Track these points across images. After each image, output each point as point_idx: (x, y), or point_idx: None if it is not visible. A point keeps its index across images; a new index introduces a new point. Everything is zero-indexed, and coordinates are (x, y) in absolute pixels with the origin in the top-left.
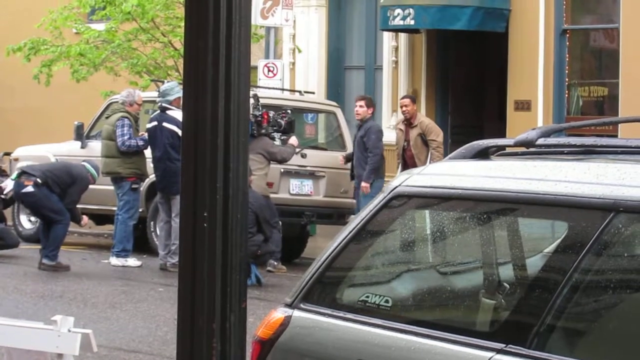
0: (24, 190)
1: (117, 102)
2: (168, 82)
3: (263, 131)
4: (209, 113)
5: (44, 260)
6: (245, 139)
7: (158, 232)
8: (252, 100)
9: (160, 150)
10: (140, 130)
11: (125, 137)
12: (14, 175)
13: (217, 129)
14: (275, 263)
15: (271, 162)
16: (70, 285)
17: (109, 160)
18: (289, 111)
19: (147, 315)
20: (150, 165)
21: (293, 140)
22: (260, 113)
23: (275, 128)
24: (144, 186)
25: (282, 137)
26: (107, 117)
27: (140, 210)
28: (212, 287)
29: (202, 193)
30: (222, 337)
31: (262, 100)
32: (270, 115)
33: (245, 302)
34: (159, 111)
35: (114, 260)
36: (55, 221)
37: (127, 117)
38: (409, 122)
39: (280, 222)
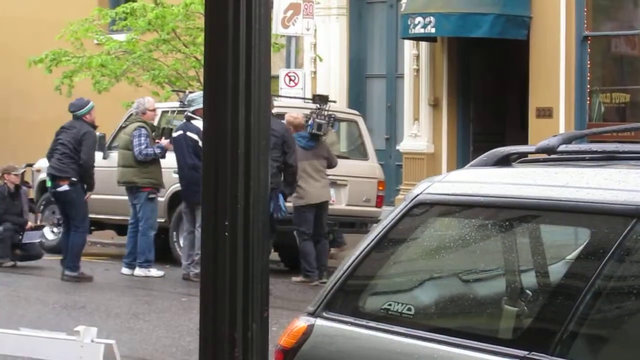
0: (60, 189)
1: None
2: (190, 92)
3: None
4: (229, 122)
5: (66, 272)
6: (266, 147)
7: (181, 242)
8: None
9: (185, 159)
10: (158, 136)
11: (142, 147)
12: (48, 182)
13: (238, 138)
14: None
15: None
16: (93, 296)
17: (126, 169)
18: (333, 116)
19: (170, 325)
20: (173, 176)
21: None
22: (327, 117)
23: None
24: (166, 196)
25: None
26: (123, 127)
27: (163, 220)
28: (233, 297)
29: (223, 202)
30: (244, 346)
31: (280, 110)
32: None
33: (268, 312)
34: (184, 120)
35: (137, 271)
36: (74, 227)
37: (143, 127)
38: None
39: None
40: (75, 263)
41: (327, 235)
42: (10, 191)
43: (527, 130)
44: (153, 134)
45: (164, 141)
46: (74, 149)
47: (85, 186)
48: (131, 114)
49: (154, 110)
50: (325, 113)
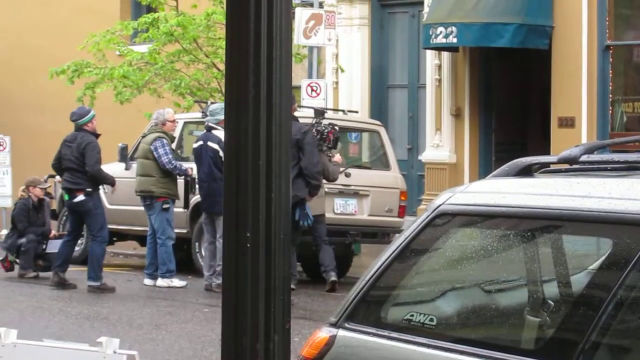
0: (76, 200)
1: None
2: (212, 102)
3: (325, 148)
4: (250, 134)
5: (89, 282)
6: (287, 159)
7: (203, 253)
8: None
9: (205, 169)
10: (182, 146)
11: (170, 156)
12: (66, 196)
13: (259, 149)
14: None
15: None
16: (116, 307)
17: (144, 179)
18: (337, 127)
19: (193, 336)
20: (196, 187)
21: (338, 158)
22: (327, 130)
23: (326, 144)
24: (188, 207)
25: (329, 155)
26: (143, 136)
27: (185, 231)
28: (255, 308)
29: (244, 213)
30: (266, 357)
31: (305, 120)
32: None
33: (289, 323)
34: (205, 130)
35: (160, 282)
36: (92, 237)
37: (163, 137)
38: None
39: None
40: (97, 273)
41: (327, 241)
42: (34, 204)
43: (549, 140)
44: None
45: (186, 165)
46: (81, 163)
47: (100, 195)
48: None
49: (173, 121)
50: (322, 127)
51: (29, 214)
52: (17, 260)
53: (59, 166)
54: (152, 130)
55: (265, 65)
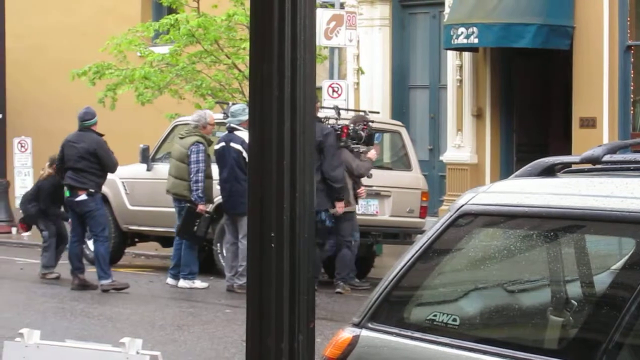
0: (78, 198)
1: (182, 124)
2: (233, 103)
3: (342, 144)
4: (275, 134)
5: (101, 282)
6: (311, 159)
7: (224, 254)
8: (333, 112)
9: (227, 170)
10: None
11: (201, 165)
12: (66, 192)
13: (284, 149)
14: (342, 284)
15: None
16: (137, 308)
17: (178, 181)
18: (370, 123)
19: (215, 337)
20: (217, 188)
21: (372, 153)
22: (340, 126)
23: (355, 141)
24: (211, 208)
25: (362, 150)
26: (181, 138)
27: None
28: (280, 307)
29: (268, 213)
30: (290, 356)
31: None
32: (350, 127)
33: (314, 322)
34: (226, 132)
35: (182, 282)
36: (94, 237)
37: (201, 142)
38: None
39: (355, 242)
40: (106, 271)
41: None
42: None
43: (570, 140)
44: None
45: (201, 207)
46: (89, 163)
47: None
48: (176, 125)
49: (213, 124)
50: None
51: (50, 197)
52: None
53: (61, 167)
54: (191, 132)
55: (289, 66)
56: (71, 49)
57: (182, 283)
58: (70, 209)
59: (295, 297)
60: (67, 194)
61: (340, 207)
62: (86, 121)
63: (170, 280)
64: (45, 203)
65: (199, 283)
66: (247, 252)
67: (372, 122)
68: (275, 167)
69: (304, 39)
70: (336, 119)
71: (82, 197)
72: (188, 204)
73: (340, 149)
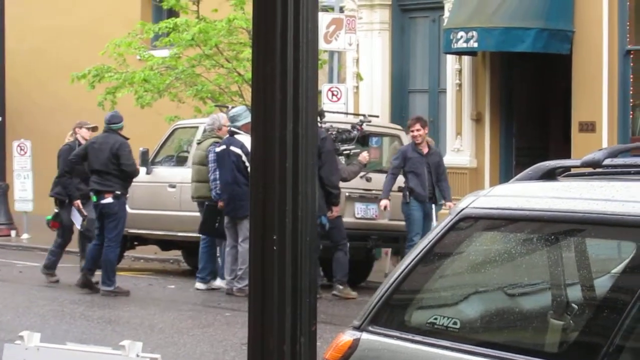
0: (104, 201)
1: (181, 127)
2: (232, 107)
3: (344, 147)
4: (277, 136)
5: (102, 287)
6: (313, 161)
7: (225, 257)
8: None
9: (228, 174)
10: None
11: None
12: (93, 198)
13: (286, 152)
14: (341, 287)
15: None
16: (137, 311)
17: (200, 184)
18: (363, 125)
19: (214, 340)
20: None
21: (363, 156)
22: (355, 128)
23: (346, 144)
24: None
25: (354, 152)
26: (198, 143)
27: None
28: (282, 310)
29: (271, 216)
30: (292, 358)
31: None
32: (334, 131)
33: (316, 325)
34: (228, 135)
35: (199, 285)
36: (107, 240)
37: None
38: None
39: (347, 245)
40: (111, 278)
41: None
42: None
43: (569, 144)
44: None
45: (221, 203)
46: (112, 165)
47: (125, 200)
48: (176, 129)
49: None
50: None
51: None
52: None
53: (77, 163)
54: (208, 136)
55: (291, 68)
56: (71, 51)
57: (199, 285)
58: (98, 214)
59: (298, 299)
60: (94, 199)
61: (336, 212)
62: (113, 124)
63: (199, 285)
64: (63, 166)
65: (219, 282)
66: (250, 255)
67: (369, 122)
68: (278, 169)
69: (307, 41)
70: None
71: (109, 199)
72: (207, 202)
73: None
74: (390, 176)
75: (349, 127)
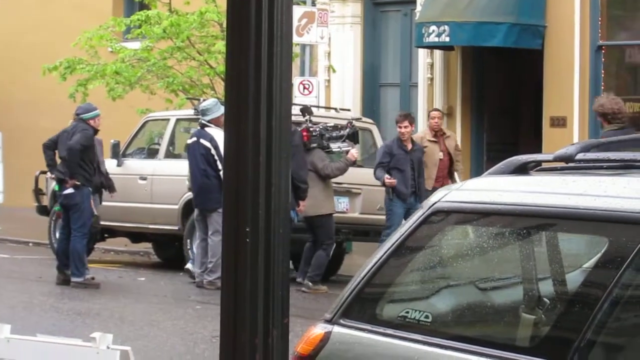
0: (65, 192)
1: (153, 119)
2: (204, 99)
3: (314, 145)
4: (250, 129)
5: (72, 278)
6: (287, 154)
7: (195, 250)
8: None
9: (197, 166)
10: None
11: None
12: (56, 187)
13: (259, 144)
14: (311, 284)
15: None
16: (107, 303)
17: None
18: (353, 122)
19: (185, 333)
20: (187, 184)
21: (351, 154)
22: (299, 129)
23: (337, 140)
24: (180, 204)
25: (343, 149)
26: None
27: (177, 228)
28: (254, 303)
29: (244, 209)
30: (264, 352)
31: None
32: (317, 129)
33: (288, 318)
34: (199, 127)
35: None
36: (73, 231)
37: None
38: (439, 134)
39: (332, 246)
40: (79, 268)
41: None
42: None
43: (541, 139)
44: None
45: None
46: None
47: (89, 191)
48: (147, 121)
49: None
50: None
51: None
52: None
53: (51, 147)
54: None
55: (265, 62)
56: (44, 44)
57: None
58: (62, 205)
59: (270, 292)
60: (56, 187)
61: (303, 206)
62: (78, 114)
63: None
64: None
65: (190, 265)
66: (222, 247)
67: (359, 120)
68: (251, 162)
69: (281, 34)
70: (306, 120)
71: (69, 190)
72: None
73: (311, 149)
74: (379, 168)
75: (339, 124)
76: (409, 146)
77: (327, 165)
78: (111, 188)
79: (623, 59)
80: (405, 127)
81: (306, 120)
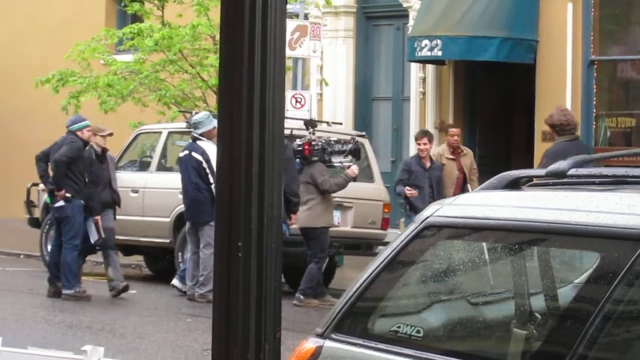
0: (56, 205)
1: (145, 132)
2: (196, 112)
3: (315, 158)
4: (243, 142)
5: (64, 290)
6: (279, 168)
7: (186, 263)
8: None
9: (189, 179)
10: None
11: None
12: (48, 199)
13: (252, 158)
14: (303, 297)
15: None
16: (99, 316)
17: None
18: (356, 138)
19: (176, 346)
20: (179, 197)
21: (351, 170)
22: (301, 142)
23: (339, 155)
24: (171, 217)
25: (345, 165)
26: None
27: (168, 241)
28: (246, 317)
29: (236, 223)
30: None
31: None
32: (319, 143)
33: (280, 332)
34: (191, 141)
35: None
36: (64, 243)
37: None
38: (457, 151)
39: (325, 260)
40: (70, 280)
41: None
42: (97, 154)
43: (533, 154)
44: None
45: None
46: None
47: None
48: (139, 134)
49: None
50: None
51: (93, 166)
52: None
53: (43, 159)
54: None
55: (259, 75)
56: (37, 56)
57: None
58: (54, 218)
59: (262, 306)
60: (48, 200)
61: (294, 219)
62: (67, 127)
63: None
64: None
65: (176, 281)
66: (215, 261)
67: (363, 136)
68: (244, 175)
69: (274, 47)
70: (310, 133)
71: (60, 203)
72: None
73: (312, 162)
74: (399, 185)
75: (342, 138)
76: (427, 164)
77: (327, 180)
78: (119, 204)
79: (615, 73)
80: (425, 144)
81: (310, 133)
